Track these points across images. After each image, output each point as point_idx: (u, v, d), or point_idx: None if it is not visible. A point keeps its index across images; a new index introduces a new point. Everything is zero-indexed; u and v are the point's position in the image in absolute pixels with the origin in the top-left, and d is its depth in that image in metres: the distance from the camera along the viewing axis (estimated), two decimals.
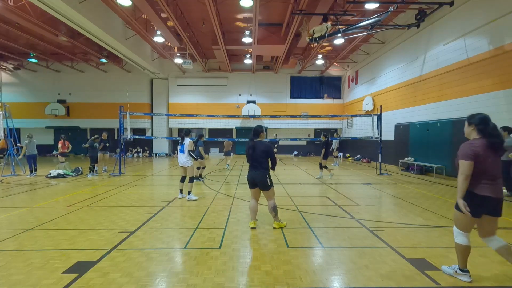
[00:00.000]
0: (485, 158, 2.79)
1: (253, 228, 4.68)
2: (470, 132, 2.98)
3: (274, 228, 4.66)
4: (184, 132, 6.88)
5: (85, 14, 11.33)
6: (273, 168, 4.74)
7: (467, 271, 3.05)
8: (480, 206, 2.86)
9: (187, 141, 6.70)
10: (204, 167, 10.02)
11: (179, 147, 6.80)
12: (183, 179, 7.01)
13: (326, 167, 10.44)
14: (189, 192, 6.79)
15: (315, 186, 8.90)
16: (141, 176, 11.05)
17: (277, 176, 10.47)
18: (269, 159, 4.66)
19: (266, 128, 4.86)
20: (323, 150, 10.26)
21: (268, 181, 4.56)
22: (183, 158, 6.74)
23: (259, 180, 4.56)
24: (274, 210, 4.65)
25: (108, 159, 12.24)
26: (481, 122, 2.88)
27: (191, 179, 6.86)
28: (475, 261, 3.48)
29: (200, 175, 9.81)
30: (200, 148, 9.41)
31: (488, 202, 2.83)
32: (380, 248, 3.89)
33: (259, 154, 4.57)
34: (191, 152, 6.70)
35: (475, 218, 2.88)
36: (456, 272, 3.11)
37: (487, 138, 2.83)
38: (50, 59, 20.09)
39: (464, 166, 2.83)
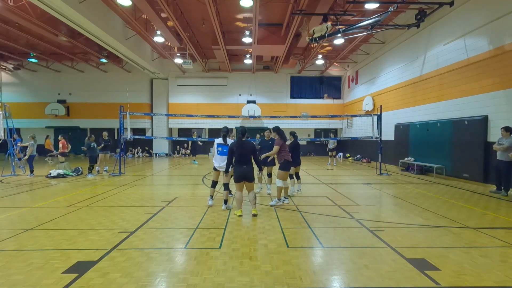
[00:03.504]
0: (284, 146, 6.26)
1: (240, 215, 5.34)
2: (275, 135, 6.31)
3: (254, 215, 5.36)
4: (226, 131, 5.92)
5: (85, 14, 11.32)
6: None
7: (287, 198, 6.52)
8: (290, 166, 6.34)
9: (230, 142, 5.73)
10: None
11: (220, 148, 5.91)
12: (214, 184, 6.21)
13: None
14: (225, 201, 5.95)
15: (315, 186, 8.90)
16: (141, 176, 11.05)
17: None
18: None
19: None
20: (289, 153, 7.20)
21: (254, 174, 5.47)
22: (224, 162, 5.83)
23: (250, 175, 5.33)
24: (255, 198, 5.56)
25: (109, 159, 12.22)
26: (277, 130, 6.27)
27: (226, 186, 5.96)
28: (476, 261, 3.48)
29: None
30: None
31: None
32: (380, 248, 3.89)
33: (247, 152, 5.34)
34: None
35: (287, 172, 6.25)
36: (282, 201, 6.37)
37: (282, 137, 6.24)
38: (50, 59, 20.09)
39: (275, 148, 6.20)
